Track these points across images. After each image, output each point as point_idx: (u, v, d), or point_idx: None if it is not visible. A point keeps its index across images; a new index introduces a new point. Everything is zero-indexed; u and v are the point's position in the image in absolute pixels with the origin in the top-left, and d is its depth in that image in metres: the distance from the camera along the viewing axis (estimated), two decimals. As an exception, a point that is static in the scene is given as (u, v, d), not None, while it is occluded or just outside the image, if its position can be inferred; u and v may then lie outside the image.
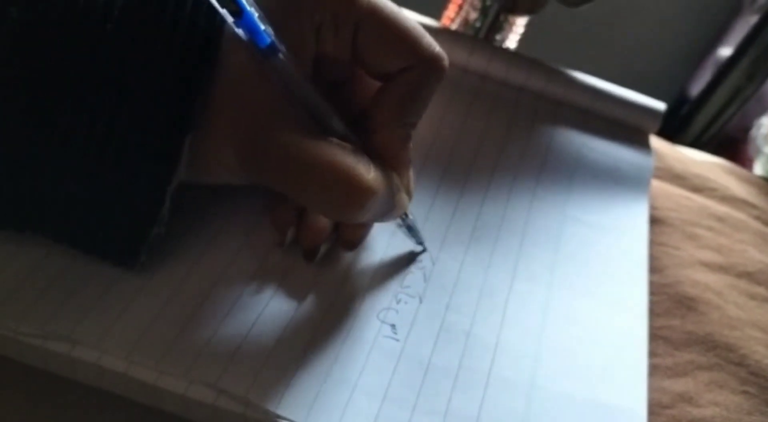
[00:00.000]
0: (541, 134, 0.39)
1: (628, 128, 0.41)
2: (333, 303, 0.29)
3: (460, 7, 0.47)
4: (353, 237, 0.30)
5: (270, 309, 0.28)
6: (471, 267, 0.31)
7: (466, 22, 0.47)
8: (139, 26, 0.24)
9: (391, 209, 0.27)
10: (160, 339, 0.25)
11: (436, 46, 0.27)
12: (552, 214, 0.35)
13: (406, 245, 0.32)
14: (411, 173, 0.29)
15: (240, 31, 0.23)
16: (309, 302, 0.28)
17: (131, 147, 0.24)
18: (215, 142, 0.25)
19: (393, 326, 0.28)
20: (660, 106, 0.41)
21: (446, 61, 0.27)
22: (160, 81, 0.24)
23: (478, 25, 0.46)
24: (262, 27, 0.23)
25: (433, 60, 0.27)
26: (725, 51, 1.04)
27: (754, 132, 1.04)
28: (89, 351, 0.25)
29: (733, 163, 0.47)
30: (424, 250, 0.32)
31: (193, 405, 0.25)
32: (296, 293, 0.29)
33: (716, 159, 0.47)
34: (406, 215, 0.30)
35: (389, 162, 0.27)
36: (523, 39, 0.53)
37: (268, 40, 0.24)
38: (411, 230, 0.31)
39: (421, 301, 0.30)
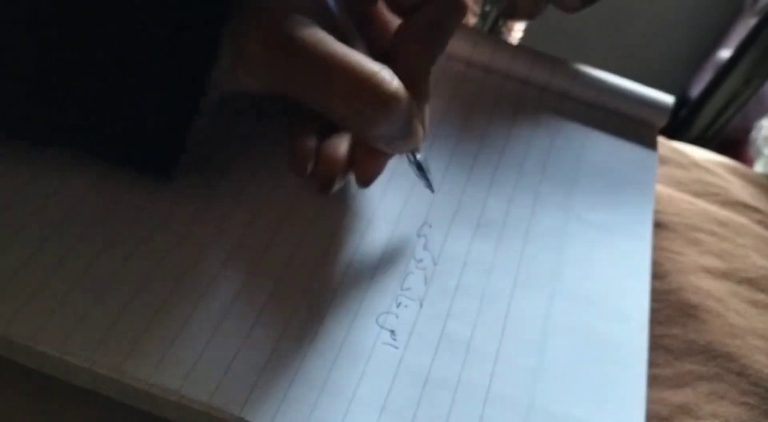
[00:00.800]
0: (546, 128, 0.38)
1: (635, 122, 0.40)
2: (332, 303, 0.28)
3: (459, 11, 0.47)
4: (369, 172, 0.30)
5: (266, 312, 0.27)
6: (473, 270, 0.31)
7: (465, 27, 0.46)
8: None
9: (406, 135, 0.28)
10: (150, 351, 0.25)
11: None
12: (556, 213, 0.34)
13: (407, 238, 0.31)
14: (426, 108, 0.29)
15: None
16: (307, 303, 0.28)
17: (173, 39, 0.25)
18: (245, 40, 0.25)
19: (392, 332, 0.28)
20: (668, 99, 0.40)
21: None
22: None
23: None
24: None
25: None
26: (726, 52, 1.04)
27: (754, 133, 1.03)
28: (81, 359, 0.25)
29: (737, 159, 0.47)
30: (432, 191, 0.31)
31: (186, 413, 0.24)
32: (293, 293, 0.28)
33: (720, 157, 0.47)
34: (417, 151, 0.30)
35: (410, 93, 0.27)
36: (523, 41, 0.53)
37: None
38: (420, 168, 0.30)
39: (421, 305, 0.29)
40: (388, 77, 0.26)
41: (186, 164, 0.28)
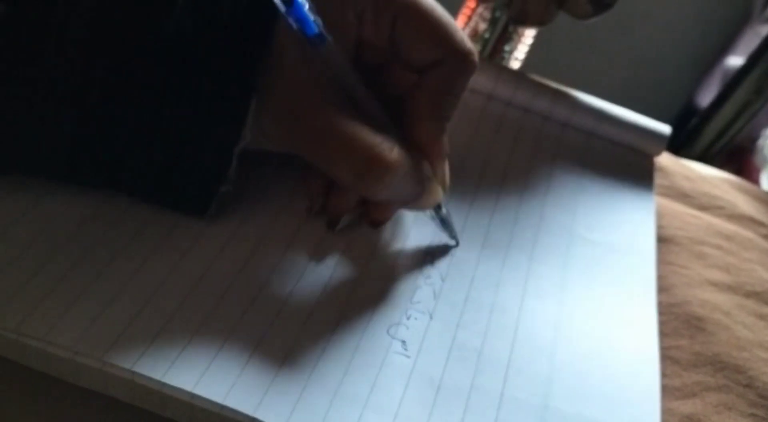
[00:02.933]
0: (546, 155, 0.39)
1: (633, 151, 0.41)
2: (343, 315, 0.28)
3: (470, 18, 0.47)
4: (378, 217, 0.32)
5: (279, 320, 0.28)
6: (481, 284, 0.31)
7: (475, 33, 0.46)
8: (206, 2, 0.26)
9: (419, 195, 0.29)
10: (163, 352, 0.25)
11: (468, 42, 0.29)
12: (560, 233, 0.35)
13: (415, 256, 0.32)
14: (446, 166, 0.30)
15: (291, 20, 0.26)
16: (319, 314, 0.28)
17: (204, 111, 0.27)
18: (260, 113, 0.27)
19: (403, 342, 0.28)
20: (665, 129, 0.41)
21: (477, 57, 0.29)
22: (228, 55, 0.26)
23: (486, 36, 0.46)
24: (312, 17, 0.26)
25: (465, 54, 0.29)
26: (733, 60, 1.04)
27: (761, 142, 1.03)
28: (93, 360, 0.25)
29: (740, 173, 0.47)
30: (457, 244, 0.33)
31: (198, 414, 0.25)
32: (305, 304, 0.28)
33: (724, 174, 0.47)
34: (439, 207, 0.31)
35: (425, 154, 0.29)
36: (532, 48, 0.53)
37: (316, 30, 0.26)
38: (444, 223, 0.32)
39: (431, 318, 0.29)
40: (387, 149, 0.27)
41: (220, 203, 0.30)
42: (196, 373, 0.25)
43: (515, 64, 0.52)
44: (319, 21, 0.26)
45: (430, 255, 0.32)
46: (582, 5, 0.41)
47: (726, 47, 1.08)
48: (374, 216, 0.32)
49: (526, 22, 0.44)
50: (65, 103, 0.26)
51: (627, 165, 0.40)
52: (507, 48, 0.46)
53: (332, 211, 0.31)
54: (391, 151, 0.27)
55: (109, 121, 0.27)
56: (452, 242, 0.33)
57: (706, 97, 1.05)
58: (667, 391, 0.30)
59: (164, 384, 0.24)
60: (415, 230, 0.33)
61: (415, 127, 0.29)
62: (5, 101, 0.26)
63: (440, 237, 0.33)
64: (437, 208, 0.31)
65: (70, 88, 0.26)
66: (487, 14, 0.46)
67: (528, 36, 0.48)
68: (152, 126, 0.27)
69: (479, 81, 0.41)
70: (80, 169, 0.28)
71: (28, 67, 0.26)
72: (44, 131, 0.27)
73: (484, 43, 0.46)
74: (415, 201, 0.30)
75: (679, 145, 1.00)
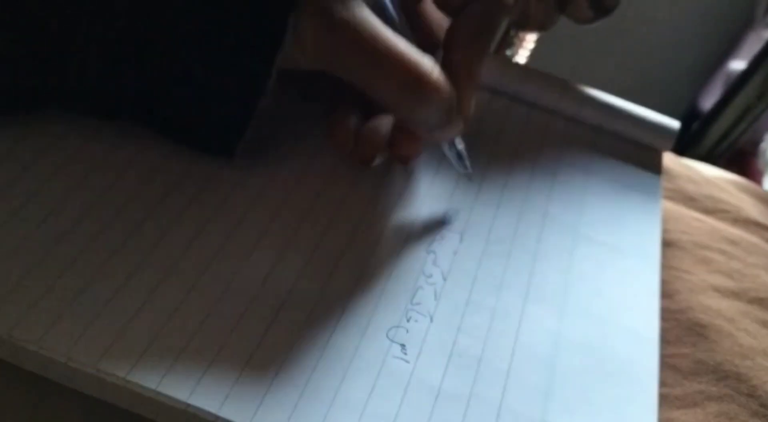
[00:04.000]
0: (552, 151, 0.39)
1: (641, 146, 0.40)
2: (341, 317, 0.28)
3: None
4: (408, 151, 0.32)
5: (275, 324, 0.27)
6: (483, 286, 0.31)
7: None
8: None
9: (445, 125, 0.30)
10: (159, 358, 0.25)
11: None
12: (564, 233, 0.34)
13: (416, 254, 0.31)
14: (473, 98, 0.31)
15: None
16: (316, 316, 0.28)
17: (243, 26, 0.27)
18: (301, 22, 0.27)
19: (403, 346, 0.28)
20: (674, 124, 0.40)
21: None
22: None
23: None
24: None
25: None
26: (736, 64, 1.04)
27: (763, 146, 1.03)
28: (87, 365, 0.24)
29: (743, 176, 0.46)
30: (470, 177, 0.34)
31: (193, 421, 0.24)
32: (303, 305, 0.28)
33: (729, 175, 0.46)
34: (456, 144, 0.32)
35: (461, 81, 0.30)
36: (533, 52, 0.53)
37: None
38: (460, 157, 0.33)
39: (432, 320, 0.29)
40: (430, 68, 0.28)
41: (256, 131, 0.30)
42: (190, 382, 0.25)
43: (517, 69, 0.51)
44: None
45: (433, 252, 0.32)
46: (583, 10, 0.41)
47: (728, 51, 1.08)
48: (404, 150, 0.32)
49: (527, 27, 0.44)
50: (108, 23, 0.27)
51: (634, 160, 0.39)
52: (508, 52, 0.46)
53: (365, 152, 0.32)
54: (434, 69, 0.28)
55: (150, 39, 0.27)
56: (465, 170, 0.33)
57: (708, 101, 1.05)
58: (667, 401, 0.30)
59: (159, 393, 0.24)
60: (417, 224, 0.33)
61: (453, 54, 0.30)
62: (40, 40, 0.27)
63: (443, 231, 0.33)
64: (453, 144, 0.32)
65: (113, 10, 0.27)
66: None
67: (529, 40, 0.48)
68: (193, 37, 0.27)
69: (484, 76, 0.40)
70: (117, 95, 0.29)
71: (62, 7, 0.26)
72: (88, 50, 0.27)
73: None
74: (439, 129, 0.30)
75: (681, 149, 1.00)
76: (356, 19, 0.27)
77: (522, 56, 0.47)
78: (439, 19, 0.32)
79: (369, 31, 0.27)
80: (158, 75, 0.28)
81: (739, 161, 1.01)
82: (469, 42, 0.30)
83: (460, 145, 0.32)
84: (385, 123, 0.32)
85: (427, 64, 0.28)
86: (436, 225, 0.33)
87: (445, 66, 0.29)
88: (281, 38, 0.27)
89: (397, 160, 0.33)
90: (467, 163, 0.33)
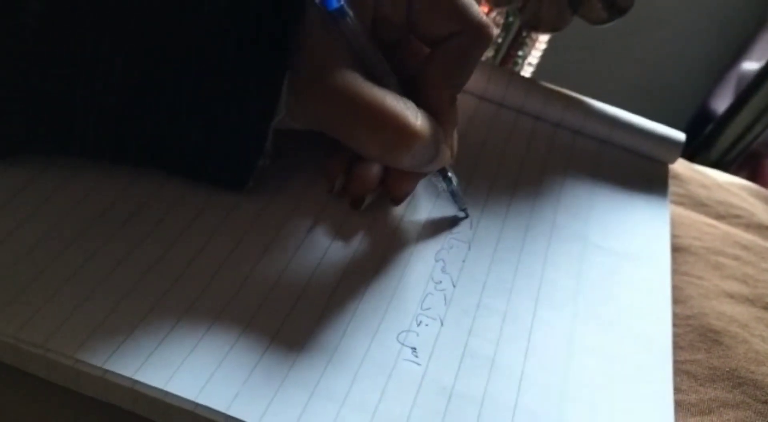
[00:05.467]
0: (558, 163, 0.39)
1: (647, 159, 0.40)
2: (351, 322, 0.28)
3: (482, 22, 0.47)
4: (399, 192, 0.32)
5: (285, 326, 0.27)
6: (493, 291, 0.31)
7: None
8: None
9: (433, 159, 0.30)
10: (166, 360, 0.25)
11: (483, 15, 0.30)
12: (573, 241, 0.34)
13: (425, 261, 0.31)
14: (455, 133, 0.31)
15: None
16: (328, 319, 0.28)
17: (240, 87, 0.28)
18: (288, 91, 0.28)
19: (414, 349, 0.28)
20: (680, 136, 0.40)
21: (492, 29, 0.30)
22: (262, 32, 0.27)
23: (499, 40, 0.46)
24: None
25: (480, 26, 0.30)
26: (748, 65, 1.03)
27: (776, 147, 1.02)
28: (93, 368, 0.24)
29: (754, 178, 0.46)
30: (466, 216, 0.33)
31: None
32: (313, 310, 0.28)
33: (741, 181, 0.46)
34: (450, 181, 0.32)
35: (437, 119, 0.30)
36: (544, 53, 0.53)
37: (336, 4, 0.27)
38: (455, 195, 0.33)
39: (442, 324, 0.29)
40: (412, 117, 0.28)
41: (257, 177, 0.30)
42: (199, 381, 0.25)
43: (528, 69, 0.51)
44: None
45: (441, 260, 0.32)
46: (597, 11, 0.40)
47: (741, 52, 1.07)
48: (396, 191, 0.32)
49: (540, 28, 0.43)
50: (106, 83, 0.27)
51: (640, 172, 0.39)
52: (520, 53, 0.46)
53: (355, 190, 0.32)
54: (416, 117, 0.28)
55: (149, 100, 0.28)
56: (461, 214, 0.33)
57: (720, 103, 1.04)
58: (682, 407, 0.29)
59: (167, 393, 0.24)
60: (425, 233, 0.33)
61: (430, 95, 0.30)
62: (44, 82, 0.27)
63: (451, 241, 0.32)
64: (448, 180, 0.32)
65: (111, 69, 0.27)
66: (501, 19, 0.45)
67: (541, 41, 0.48)
68: (191, 104, 0.28)
69: (489, 89, 0.40)
70: (123, 147, 0.29)
71: (69, 48, 0.27)
72: (89, 110, 0.28)
73: (497, 48, 0.46)
74: (430, 164, 0.30)
75: (694, 152, 0.99)
76: (334, 80, 0.27)
77: (534, 57, 0.47)
78: (422, 46, 0.32)
79: (347, 90, 0.27)
80: (161, 130, 0.29)
81: (751, 163, 1.00)
82: (445, 81, 0.30)
83: (455, 181, 0.32)
84: (376, 165, 0.32)
85: (409, 114, 0.28)
86: (451, 223, 0.33)
87: (423, 102, 0.30)
88: (274, 106, 0.28)
89: (390, 200, 0.32)
90: (462, 200, 0.33)
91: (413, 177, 0.32)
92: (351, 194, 0.32)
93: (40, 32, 0.26)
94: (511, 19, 0.45)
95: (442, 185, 0.32)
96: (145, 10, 0.26)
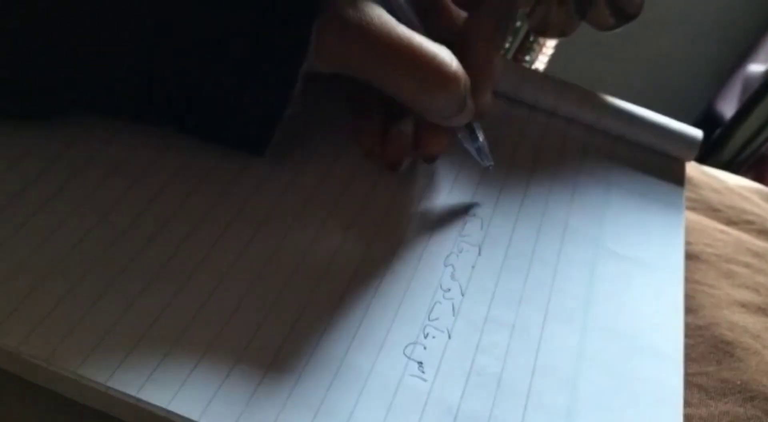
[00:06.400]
0: (572, 160, 0.38)
1: (663, 156, 0.39)
2: (357, 332, 0.28)
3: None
4: (432, 150, 0.32)
5: (289, 340, 0.27)
6: (502, 301, 0.30)
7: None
8: None
9: (462, 109, 0.30)
10: (169, 376, 0.25)
11: None
12: (585, 246, 0.34)
13: (434, 267, 0.31)
14: (491, 88, 0.32)
15: None
16: (332, 331, 0.27)
17: (269, 31, 0.27)
18: (321, 28, 0.28)
19: (420, 364, 0.27)
20: (697, 134, 0.39)
21: None
22: None
23: (506, 46, 0.45)
24: None
25: None
26: (754, 68, 1.02)
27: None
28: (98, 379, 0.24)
29: (761, 179, 0.45)
30: (491, 168, 0.33)
31: None
32: (318, 320, 0.28)
33: (754, 184, 0.45)
34: (476, 137, 0.32)
35: (478, 70, 0.30)
36: (551, 56, 0.52)
37: None
38: (480, 152, 0.33)
39: (449, 337, 0.28)
40: (448, 58, 0.28)
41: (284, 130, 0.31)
42: (202, 400, 0.24)
43: (534, 74, 0.51)
44: None
45: (451, 265, 0.31)
46: (605, 16, 0.40)
47: (747, 54, 1.07)
48: (429, 149, 0.32)
49: (548, 33, 0.43)
50: (137, 43, 0.27)
51: (656, 170, 0.39)
52: (527, 58, 0.45)
53: (393, 152, 0.32)
54: (452, 60, 0.28)
55: (178, 56, 0.28)
56: (487, 163, 0.33)
57: (726, 105, 1.03)
58: (693, 421, 0.29)
59: (170, 412, 0.24)
60: (435, 233, 0.32)
61: (471, 48, 0.30)
62: (76, 44, 0.27)
63: (461, 244, 0.32)
64: (474, 137, 0.32)
65: (141, 28, 0.27)
66: (507, 24, 0.45)
67: (549, 46, 0.47)
68: (219, 53, 0.28)
69: (502, 83, 0.40)
70: (153, 105, 0.29)
71: (97, 17, 0.27)
72: (120, 71, 0.28)
73: (505, 53, 0.45)
74: (458, 114, 0.30)
75: (703, 156, 0.99)
76: (368, 19, 0.27)
77: (541, 61, 0.46)
78: (456, 11, 0.33)
79: (382, 29, 0.27)
80: (190, 86, 0.29)
81: (758, 164, 0.99)
82: (489, 33, 0.31)
83: (481, 137, 0.33)
84: (408, 124, 0.32)
85: (446, 55, 0.28)
86: (462, 212, 0.34)
87: (462, 56, 0.29)
88: (305, 48, 0.27)
89: (423, 159, 0.33)
90: (488, 155, 0.33)
91: (444, 133, 0.32)
92: (389, 157, 0.32)
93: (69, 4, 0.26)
94: (518, 24, 0.45)
95: (468, 141, 0.32)
96: None
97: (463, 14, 0.32)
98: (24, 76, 0.28)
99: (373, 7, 0.28)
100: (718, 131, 1.00)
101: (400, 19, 0.28)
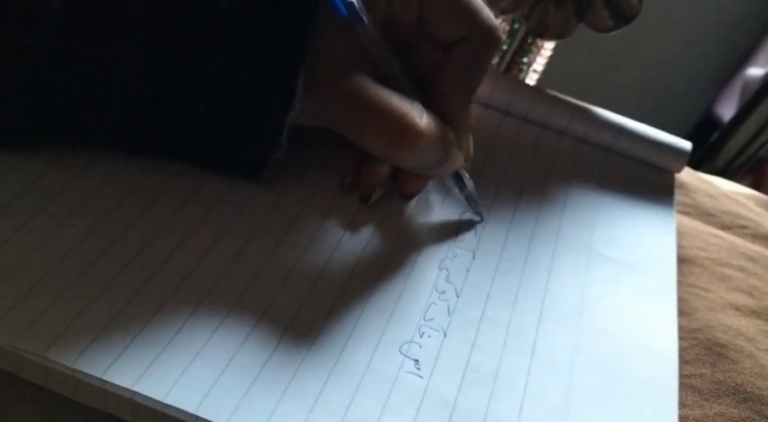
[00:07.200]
0: (564, 171, 0.39)
1: (652, 168, 0.40)
2: (353, 332, 0.28)
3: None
4: (407, 190, 0.33)
5: (285, 338, 0.27)
6: (497, 302, 0.30)
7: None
8: None
9: (443, 162, 0.30)
10: (166, 371, 0.25)
11: (493, 19, 0.30)
12: (578, 251, 0.34)
13: (429, 270, 0.31)
14: (470, 138, 0.32)
15: None
16: (327, 330, 0.28)
17: (258, 83, 0.28)
18: (313, 88, 0.28)
19: (416, 361, 0.27)
20: (686, 145, 0.40)
21: (501, 33, 0.31)
22: (278, 29, 0.27)
23: (504, 47, 0.45)
24: None
25: (490, 30, 0.30)
26: (753, 71, 1.03)
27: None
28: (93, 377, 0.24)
29: (758, 184, 0.46)
30: (481, 220, 0.34)
31: None
32: (314, 319, 0.28)
33: (748, 190, 0.46)
34: (464, 185, 0.32)
35: (450, 124, 0.30)
36: (549, 59, 0.53)
37: (350, 11, 0.27)
38: (470, 200, 0.33)
39: (445, 335, 0.29)
40: (417, 117, 0.29)
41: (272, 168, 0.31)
42: (199, 393, 0.24)
43: (533, 76, 0.51)
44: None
45: (445, 269, 0.31)
46: (603, 19, 0.40)
47: (745, 58, 1.07)
48: (406, 188, 0.33)
49: (546, 35, 0.43)
50: (126, 78, 0.28)
51: (646, 181, 0.39)
52: (525, 60, 0.45)
53: (364, 185, 0.33)
54: (421, 118, 0.29)
55: (168, 93, 0.28)
56: (477, 218, 0.34)
57: (725, 108, 1.04)
58: (688, 422, 0.29)
59: (166, 406, 0.24)
60: (430, 239, 0.32)
61: (443, 100, 0.30)
62: (65, 75, 0.27)
63: (455, 249, 0.32)
64: (462, 184, 0.32)
65: (130, 64, 0.27)
66: (506, 26, 0.45)
67: (546, 48, 0.47)
68: (210, 97, 0.28)
69: (495, 96, 0.40)
70: (142, 138, 0.30)
71: (89, 43, 0.27)
72: (109, 104, 0.28)
73: (502, 55, 0.45)
74: (439, 167, 0.31)
75: (699, 160, 0.99)
76: (347, 83, 0.28)
77: (539, 64, 0.46)
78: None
79: (354, 90, 0.28)
80: (180, 122, 0.29)
81: (755, 169, 1.00)
82: (458, 86, 0.31)
83: (469, 185, 0.33)
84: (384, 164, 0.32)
85: (415, 113, 0.29)
86: (457, 227, 0.33)
87: (436, 107, 0.30)
88: (291, 102, 0.28)
89: (400, 196, 0.33)
90: (478, 205, 0.33)
91: (421, 178, 0.32)
92: (359, 189, 0.33)
93: (61, 28, 0.26)
94: (516, 25, 0.45)
95: (457, 189, 0.33)
96: (164, 5, 0.27)
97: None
98: (9, 109, 0.28)
99: (351, 67, 0.28)
100: (715, 135, 1.00)
101: (373, 55, 0.29)
